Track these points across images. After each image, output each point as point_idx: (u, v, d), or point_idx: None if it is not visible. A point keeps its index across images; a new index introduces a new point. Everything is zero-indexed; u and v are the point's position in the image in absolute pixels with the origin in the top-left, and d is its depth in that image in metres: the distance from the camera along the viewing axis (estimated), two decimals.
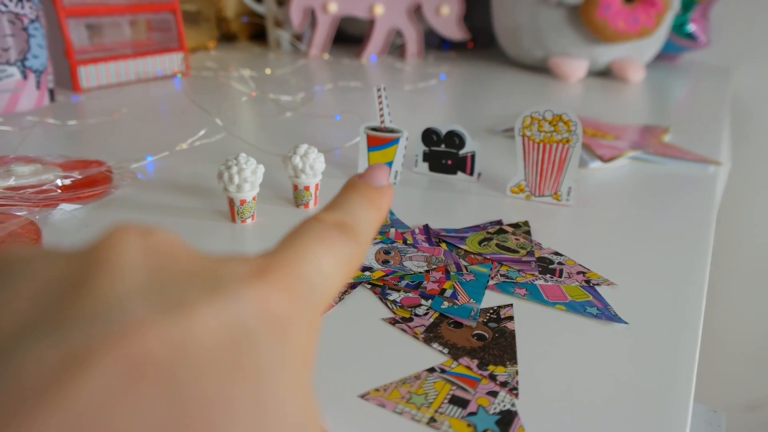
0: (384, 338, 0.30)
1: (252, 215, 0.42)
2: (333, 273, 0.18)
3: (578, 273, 0.37)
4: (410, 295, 0.33)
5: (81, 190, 0.44)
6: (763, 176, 1.11)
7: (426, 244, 0.39)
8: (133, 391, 0.11)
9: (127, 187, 0.48)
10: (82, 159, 0.51)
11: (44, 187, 0.43)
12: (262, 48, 1.20)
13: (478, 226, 0.43)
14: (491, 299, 0.34)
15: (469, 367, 0.28)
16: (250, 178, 0.41)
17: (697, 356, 0.30)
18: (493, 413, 0.25)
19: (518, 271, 0.37)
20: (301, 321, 0.16)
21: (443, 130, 0.51)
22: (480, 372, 0.28)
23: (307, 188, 0.44)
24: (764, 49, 1.10)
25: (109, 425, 0.11)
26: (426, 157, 0.52)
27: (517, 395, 0.26)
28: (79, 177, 0.45)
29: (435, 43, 1.26)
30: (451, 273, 0.36)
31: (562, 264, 0.38)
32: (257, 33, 1.27)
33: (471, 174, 0.52)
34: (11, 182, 0.43)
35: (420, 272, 0.35)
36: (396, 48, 1.17)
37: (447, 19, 1.12)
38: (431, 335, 0.30)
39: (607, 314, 0.32)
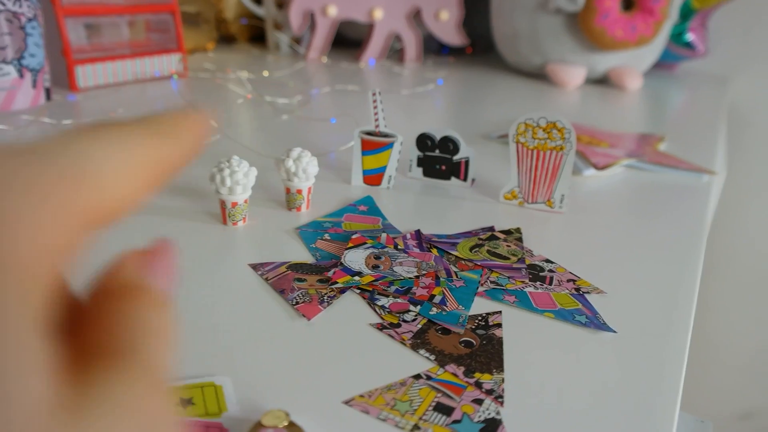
0: (371, 344, 0.30)
1: (243, 218, 0.42)
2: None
3: (568, 281, 0.37)
4: (399, 300, 0.33)
5: None
6: (758, 185, 1.11)
7: (417, 250, 0.39)
8: None
9: None
10: None
11: None
12: (260, 50, 1.20)
13: (469, 232, 0.43)
14: (480, 306, 0.34)
15: (455, 374, 0.28)
16: (242, 180, 0.40)
17: (684, 365, 0.30)
18: (478, 421, 0.25)
19: (508, 278, 0.37)
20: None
21: (438, 136, 0.51)
22: (466, 379, 0.28)
23: (299, 192, 0.44)
24: (761, 59, 1.10)
25: None
26: (420, 162, 0.52)
27: (502, 403, 0.26)
28: None
29: (434, 48, 1.26)
30: (441, 279, 0.36)
31: (553, 271, 0.38)
32: (256, 35, 1.28)
33: (465, 180, 0.51)
34: None
35: (410, 278, 0.35)
36: (395, 52, 1.17)
37: (446, 24, 1.12)
38: (419, 341, 0.30)
39: (595, 322, 0.32)
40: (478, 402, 0.26)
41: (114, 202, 0.14)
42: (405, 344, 0.30)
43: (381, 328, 0.31)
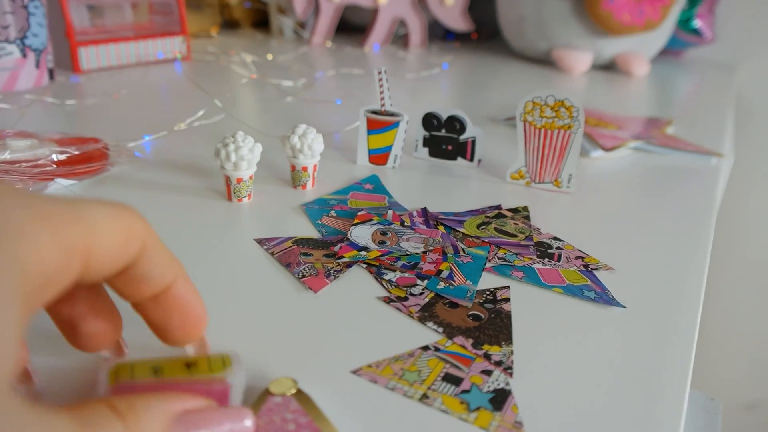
0: (378, 316, 0.30)
1: (248, 194, 0.42)
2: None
3: (577, 258, 0.36)
4: (406, 275, 0.33)
5: (77, 165, 0.44)
6: (766, 173, 1.10)
7: (424, 227, 0.39)
8: None
9: (123, 165, 0.47)
10: (79, 136, 0.50)
11: (40, 162, 0.43)
12: (264, 35, 1.19)
13: (476, 210, 0.42)
14: (488, 281, 0.33)
15: (463, 346, 0.28)
16: (247, 156, 0.40)
17: (695, 341, 0.30)
18: (487, 391, 0.25)
19: (516, 254, 0.36)
20: None
21: (444, 115, 0.50)
22: (474, 351, 0.27)
23: (305, 169, 0.44)
24: None
25: None
26: (426, 142, 0.52)
27: (511, 374, 0.26)
28: (76, 153, 0.45)
29: (439, 34, 1.25)
30: (448, 255, 0.35)
31: (561, 249, 0.37)
32: (260, 20, 1.27)
33: (471, 160, 0.51)
34: (6, 156, 0.43)
35: (417, 253, 0.35)
36: (399, 38, 1.16)
37: (451, 9, 1.11)
38: (426, 314, 0.30)
39: (604, 298, 0.32)
40: (487, 373, 0.26)
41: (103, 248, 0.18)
42: (413, 317, 0.30)
43: (388, 301, 0.31)
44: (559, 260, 0.36)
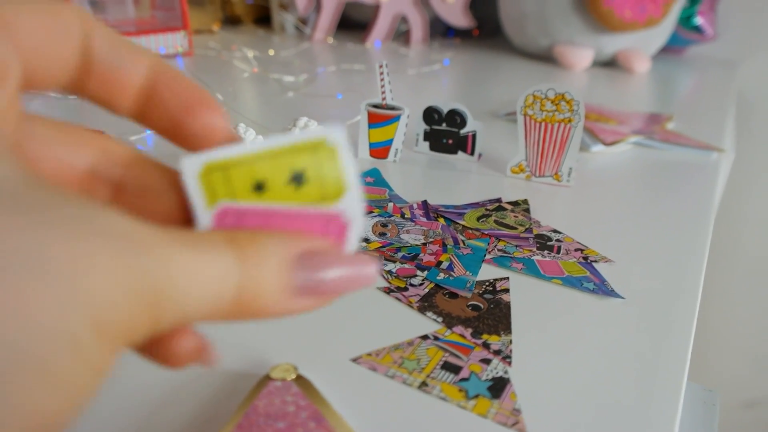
0: (378, 306, 0.30)
1: None
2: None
3: (576, 250, 0.36)
4: (406, 266, 0.33)
5: None
6: (767, 169, 1.10)
7: (424, 219, 0.39)
8: None
9: None
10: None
11: None
12: (266, 31, 1.19)
13: (476, 203, 0.42)
14: (488, 272, 0.33)
15: (462, 336, 0.28)
16: None
17: (693, 332, 0.30)
18: (486, 380, 0.25)
19: (516, 246, 0.36)
20: None
21: (445, 109, 0.50)
22: (474, 340, 0.27)
23: None
24: None
25: None
26: (427, 136, 0.52)
27: (510, 363, 0.26)
28: None
29: (440, 31, 1.25)
30: (448, 246, 0.36)
31: (561, 241, 0.37)
32: (262, 16, 1.27)
33: (472, 154, 0.51)
34: None
35: (417, 245, 0.35)
36: (401, 34, 1.16)
37: (453, 6, 1.11)
38: (426, 304, 0.30)
39: (603, 289, 0.32)
40: (486, 362, 0.26)
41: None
42: (412, 307, 0.30)
43: (388, 291, 0.31)
44: (558, 252, 0.36)
